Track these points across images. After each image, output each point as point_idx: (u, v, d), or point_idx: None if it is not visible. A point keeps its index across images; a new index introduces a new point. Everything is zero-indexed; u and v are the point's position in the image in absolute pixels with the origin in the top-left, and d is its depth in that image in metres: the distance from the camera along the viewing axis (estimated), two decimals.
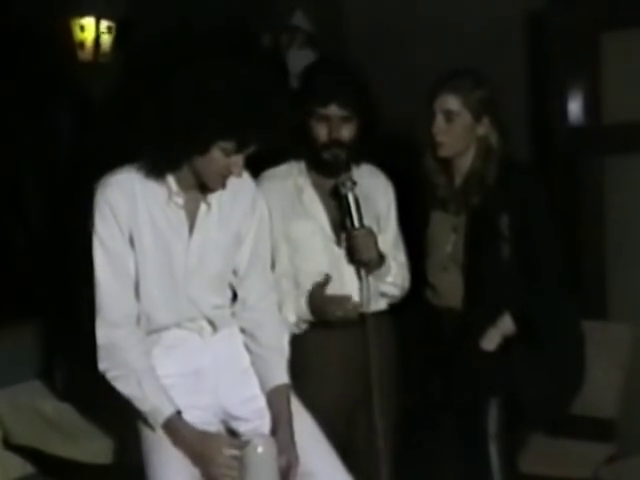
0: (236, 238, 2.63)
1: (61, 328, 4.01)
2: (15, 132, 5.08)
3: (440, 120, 2.99)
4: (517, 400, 2.97)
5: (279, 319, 2.73)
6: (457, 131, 2.99)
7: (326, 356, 2.96)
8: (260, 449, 2.42)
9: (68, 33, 5.40)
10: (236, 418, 2.63)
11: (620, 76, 4.05)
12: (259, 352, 2.65)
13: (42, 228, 4.95)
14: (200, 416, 2.53)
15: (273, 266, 2.84)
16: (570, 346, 3.03)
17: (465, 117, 2.99)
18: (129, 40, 5.28)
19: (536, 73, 4.27)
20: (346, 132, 2.90)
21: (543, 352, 2.95)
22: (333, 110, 2.88)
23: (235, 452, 2.44)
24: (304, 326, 2.95)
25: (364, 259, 2.90)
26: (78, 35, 5.42)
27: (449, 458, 3.09)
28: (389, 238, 3.06)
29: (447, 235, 3.06)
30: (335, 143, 2.90)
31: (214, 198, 2.57)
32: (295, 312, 2.93)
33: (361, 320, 2.95)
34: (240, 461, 2.42)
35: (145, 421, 2.51)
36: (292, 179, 3.01)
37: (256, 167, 2.78)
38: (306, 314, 2.93)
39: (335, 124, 2.89)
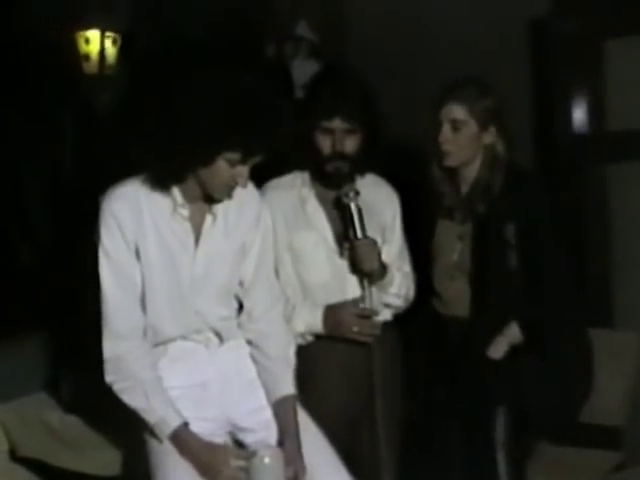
0: (241, 249, 2.63)
1: (67, 340, 4.02)
2: (20, 144, 5.09)
3: (446, 129, 2.99)
4: (524, 408, 2.96)
5: (285, 330, 2.73)
6: (463, 140, 2.99)
7: (330, 366, 2.95)
8: (267, 460, 2.42)
9: (73, 46, 5.42)
10: (243, 429, 2.63)
11: (624, 83, 4.05)
12: (265, 363, 2.65)
13: (47, 240, 4.96)
14: (206, 427, 2.53)
15: (277, 276, 2.84)
16: (577, 354, 3.02)
17: (471, 126, 2.99)
18: (134, 52, 5.30)
19: (540, 80, 4.27)
20: (350, 145, 2.89)
21: (550, 360, 2.95)
22: (337, 123, 2.87)
23: (242, 463, 2.43)
24: (310, 338, 2.95)
25: (367, 270, 2.90)
26: (83, 48, 5.44)
27: (456, 466, 3.08)
28: (394, 248, 3.06)
29: (453, 244, 3.06)
30: (339, 156, 2.89)
31: (219, 209, 2.57)
32: (306, 324, 2.92)
33: None
34: (247, 472, 2.42)
35: (152, 433, 2.51)
36: (296, 190, 3.01)
37: (260, 177, 2.79)
38: (318, 327, 2.92)
39: (339, 137, 2.88)
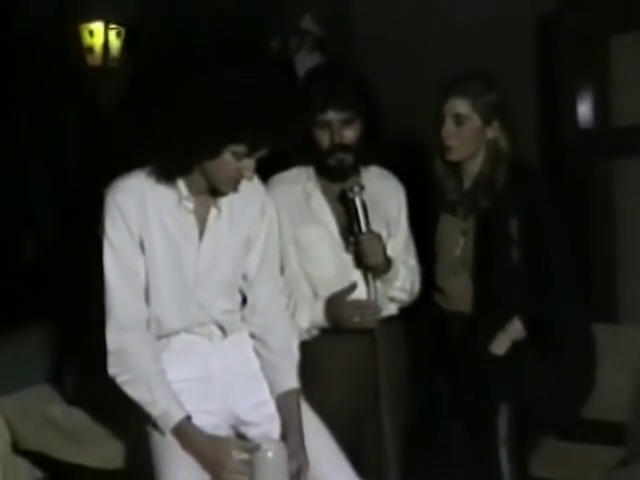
0: (246, 242, 2.63)
1: (70, 333, 4.02)
2: (24, 137, 5.09)
3: (449, 124, 2.99)
4: (527, 404, 2.96)
5: (289, 324, 2.73)
6: (466, 135, 2.98)
7: (335, 361, 2.95)
8: (270, 454, 2.42)
9: (77, 38, 5.42)
10: (246, 423, 2.63)
11: (630, 78, 4.05)
12: (269, 357, 2.65)
13: (52, 233, 4.96)
14: (210, 421, 2.53)
15: (282, 270, 2.84)
16: (580, 350, 3.02)
17: (475, 121, 2.98)
18: (138, 45, 5.30)
19: (546, 75, 4.27)
20: (349, 135, 2.88)
21: (553, 356, 2.94)
22: (332, 115, 2.86)
23: (245, 457, 2.43)
24: (315, 332, 2.94)
25: (371, 264, 2.89)
26: (87, 40, 5.43)
27: (459, 462, 3.08)
28: (400, 242, 3.05)
29: (456, 239, 3.06)
30: (338, 148, 2.88)
31: (224, 203, 2.57)
32: (309, 318, 2.92)
33: None
34: (250, 466, 2.42)
35: (155, 426, 2.51)
36: (301, 184, 3.00)
37: (265, 171, 2.78)
38: (321, 320, 2.92)
39: (336, 128, 2.87)
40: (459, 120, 2.98)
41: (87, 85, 5.39)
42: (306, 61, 4.91)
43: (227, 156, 2.42)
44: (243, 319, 2.67)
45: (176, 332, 2.58)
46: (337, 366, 2.95)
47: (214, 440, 2.48)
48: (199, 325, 2.59)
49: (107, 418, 3.46)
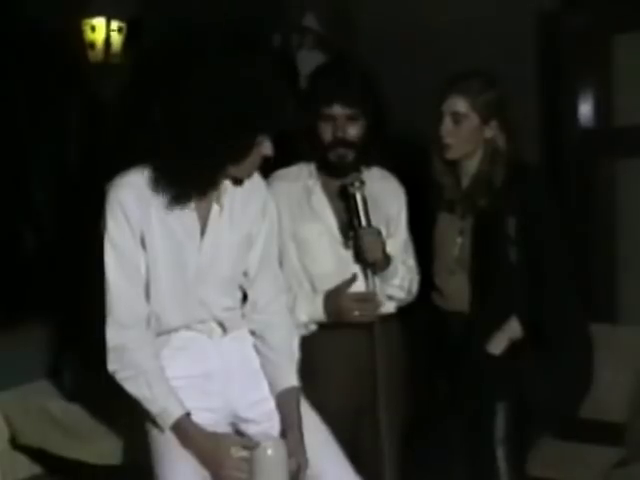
0: (247, 239, 2.62)
1: (70, 329, 4.02)
2: (25, 132, 5.08)
3: (448, 122, 2.98)
4: (525, 404, 2.96)
5: (289, 321, 2.72)
6: (464, 133, 2.98)
7: (333, 358, 2.96)
8: (270, 452, 2.42)
9: (79, 34, 5.41)
10: (245, 420, 2.63)
11: (631, 78, 4.05)
12: (269, 354, 2.65)
13: (52, 228, 4.95)
14: (209, 418, 2.52)
15: (281, 266, 2.83)
16: (578, 349, 3.01)
17: (473, 119, 2.98)
18: (140, 41, 5.29)
19: (547, 75, 4.26)
20: (352, 131, 2.90)
21: (551, 355, 2.94)
22: (337, 109, 2.88)
23: (244, 454, 2.43)
24: (313, 327, 2.95)
25: (370, 259, 2.90)
26: (89, 36, 5.42)
27: (456, 462, 3.08)
28: (399, 242, 3.06)
29: (454, 238, 3.05)
30: (341, 143, 2.90)
31: (226, 199, 2.57)
32: (308, 313, 2.92)
33: (369, 322, 2.94)
34: (249, 463, 2.42)
35: (154, 422, 2.50)
36: (301, 181, 3.01)
37: (266, 168, 2.78)
38: (320, 314, 2.93)
39: (340, 124, 2.89)
40: (457, 119, 2.97)
41: (89, 81, 5.38)
42: (308, 59, 4.92)
43: (253, 151, 2.45)
44: (243, 316, 2.67)
45: (176, 329, 2.57)
46: (335, 363, 2.96)
47: (213, 437, 2.48)
48: (199, 322, 2.59)
49: (106, 414, 3.47)
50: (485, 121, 2.98)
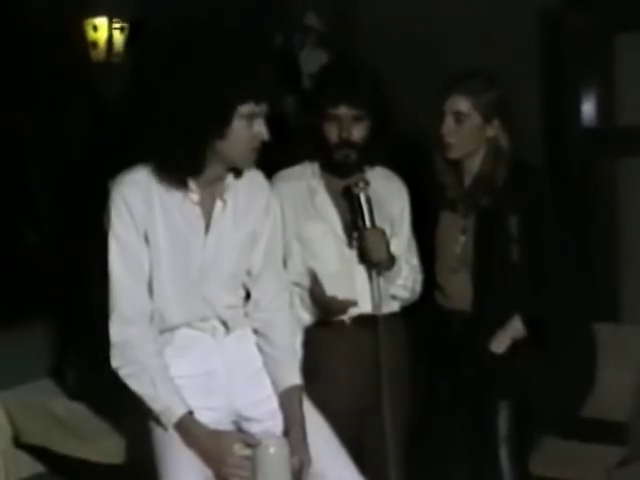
0: (251, 238, 2.63)
1: (72, 327, 4.02)
2: (27, 130, 5.09)
3: (450, 121, 2.98)
4: (527, 403, 2.96)
5: (292, 320, 2.72)
6: (466, 133, 2.98)
7: (337, 357, 2.96)
8: (272, 450, 2.41)
9: (81, 33, 5.42)
10: (248, 419, 2.63)
11: (634, 78, 4.05)
12: (271, 353, 2.64)
13: (53, 226, 4.96)
14: (212, 417, 2.52)
15: (285, 265, 2.83)
16: (581, 348, 3.02)
17: (475, 119, 2.98)
18: (141, 40, 5.30)
19: (550, 74, 4.27)
20: (357, 132, 2.90)
21: (553, 354, 2.94)
22: (343, 110, 2.88)
23: (247, 452, 2.43)
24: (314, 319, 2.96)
25: (375, 259, 2.90)
26: (91, 35, 5.44)
27: (459, 460, 3.08)
28: (402, 242, 3.06)
29: (456, 237, 3.05)
30: (346, 143, 2.90)
31: (230, 196, 2.57)
32: (306, 310, 2.94)
33: (373, 322, 2.94)
34: (252, 462, 2.42)
35: (157, 420, 2.50)
36: (305, 181, 3.01)
37: (270, 168, 2.79)
38: (315, 310, 2.94)
39: (345, 124, 2.89)
40: (459, 118, 2.97)
41: (91, 80, 5.39)
42: (309, 58, 4.93)
43: (238, 124, 2.43)
44: (246, 315, 2.67)
45: (179, 326, 2.57)
46: (339, 363, 2.96)
47: (216, 435, 2.48)
48: (202, 319, 2.58)
49: (109, 413, 3.47)
50: (487, 120, 2.98)
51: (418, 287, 3.09)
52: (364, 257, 2.92)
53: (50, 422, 3.73)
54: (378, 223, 2.89)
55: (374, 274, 2.92)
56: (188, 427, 2.47)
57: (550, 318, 2.95)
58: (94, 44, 5.44)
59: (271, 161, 2.70)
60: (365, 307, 2.96)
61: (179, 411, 2.47)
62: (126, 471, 3.32)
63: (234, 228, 2.58)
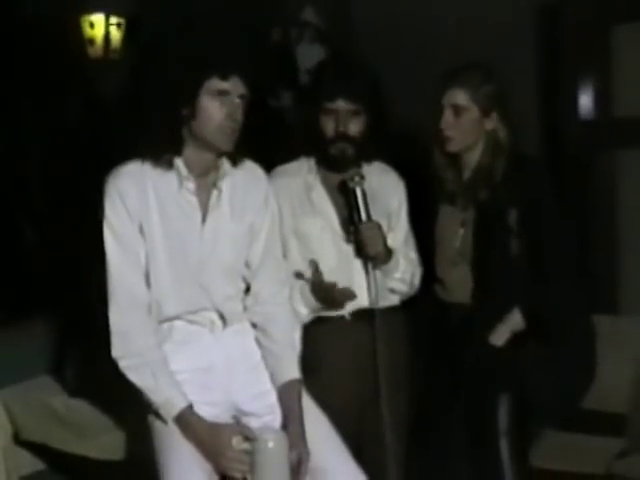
0: (250, 230, 2.63)
1: (71, 324, 4.02)
2: (25, 127, 5.09)
3: (448, 114, 2.98)
4: (527, 395, 2.96)
5: (291, 314, 2.72)
6: (465, 126, 2.98)
7: (336, 352, 2.96)
8: (271, 444, 2.41)
9: (78, 30, 5.42)
10: (247, 414, 2.63)
11: (632, 69, 4.05)
12: (270, 347, 2.64)
13: (51, 223, 4.96)
14: (211, 411, 2.52)
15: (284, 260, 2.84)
16: (581, 341, 3.01)
17: (473, 112, 2.97)
18: (138, 36, 5.30)
19: (548, 66, 4.26)
20: (354, 127, 2.90)
21: (553, 347, 2.94)
22: (340, 104, 2.88)
23: (246, 446, 2.43)
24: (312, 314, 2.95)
25: (371, 253, 2.90)
26: (88, 32, 5.43)
27: (459, 454, 3.08)
28: (400, 235, 3.06)
29: (455, 230, 3.05)
30: (342, 137, 2.90)
31: (225, 184, 2.58)
32: (307, 305, 2.93)
33: (371, 316, 2.94)
34: (251, 456, 2.42)
35: (157, 415, 2.51)
36: (302, 176, 3.01)
37: (267, 164, 2.79)
38: (314, 304, 2.93)
39: (342, 118, 2.89)
40: (458, 111, 2.97)
41: (88, 76, 5.39)
42: (307, 53, 4.93)
43: (206, 100, 2.47)
44: (245, 309, 2.67)
45: (177, 317, 2.57)
46: (338, 358, 2.95)
47: (214, 428, 2.48)
48: (200, 311, 2.59)
49: (108, 409, 3.47)
50: (485, 113, 2.98)
51: (417, 281, 3.09)
52: (360, 251, 2.92)
53: (50, 419, 3.74)
54: (375, 217, 2.89)
55: (370, 267, 2.92)
56: (188, 420, 2.48)
57: (549, 310, 2.94)
58: (91, 41, 5.43)
59: (268, 156, 2.70)
60: (364, 301, 2.96)
61: (179, 404, 2.48)
62: (126, 467, 3.33)
63: (232, 219, 2.59)
